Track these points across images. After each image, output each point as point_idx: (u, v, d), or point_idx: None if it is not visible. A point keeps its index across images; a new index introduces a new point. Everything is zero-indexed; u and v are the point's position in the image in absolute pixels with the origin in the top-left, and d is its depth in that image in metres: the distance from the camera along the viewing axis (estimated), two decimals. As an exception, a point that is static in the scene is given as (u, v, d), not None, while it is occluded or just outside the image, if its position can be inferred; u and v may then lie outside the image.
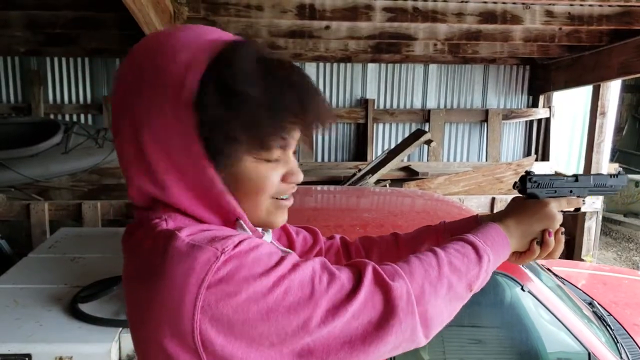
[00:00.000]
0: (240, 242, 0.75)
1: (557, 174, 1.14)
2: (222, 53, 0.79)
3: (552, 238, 1.04)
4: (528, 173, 1.10)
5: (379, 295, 0.79)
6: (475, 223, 1.14)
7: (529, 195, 1.09)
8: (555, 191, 1.10)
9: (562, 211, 1.09)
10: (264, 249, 0.77)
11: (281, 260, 0.77)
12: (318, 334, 0.74)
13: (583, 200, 1.15)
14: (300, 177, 0.90)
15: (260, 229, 0.92)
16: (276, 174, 0.86)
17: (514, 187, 1.13)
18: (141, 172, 0.81)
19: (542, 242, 1.04)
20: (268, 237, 0.95)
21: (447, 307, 0.87)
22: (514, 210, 1.08)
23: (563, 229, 1.07)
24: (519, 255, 1.06)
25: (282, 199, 0.89)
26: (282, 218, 0.91)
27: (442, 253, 0.90)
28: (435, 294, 0.84)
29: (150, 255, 0.77)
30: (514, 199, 1.12)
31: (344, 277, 0.80)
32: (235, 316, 0.71)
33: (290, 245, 1.15)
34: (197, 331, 0.71)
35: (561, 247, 1.07)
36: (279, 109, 0.79)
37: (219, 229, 0.80)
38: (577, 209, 1.16)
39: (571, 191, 1.13)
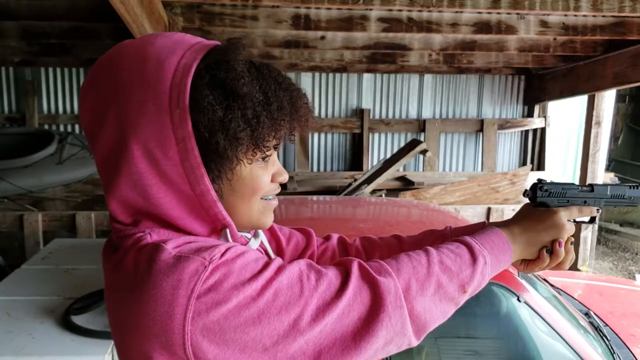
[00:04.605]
0: (226, 250, 0.75)
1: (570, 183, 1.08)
2: (210, 55, 0.79)
3: (562, 248, 1.02)
4: (540, 181, 1.07)
5: (366, 290, 0.79)
6: (481, 229, 1.11)
7: (539, 204, 1.06)
8: (568, 200, 1.06)
9: (575, 221, 1.07)
10: (250, 255, 0.77)
11: (267, 264, 0.77)
12: (310, 333, 0.74)
13: (598, 210, 1.10)
14: (286, 177, 0.93)
15: (247, 234, 0.92)
16: (267, 174, 0.87)
17: (524, 194, 1.10)
18: (128, 184, 0.78)
19: (551, 252, 1.03)
20: (255, 242, 0.95)
21: (437, 306, 0.86)
22: (521, 217, 1.06)
23: (573, 239, 1.05)
24: (528, 263, 1.05)
25: (269, 199, 0.90)
26: (271, 218, 0.92)
27: (434, 252, 0.90)
28: (422, 291, 0.84)
29: (136, 269, 0.75)
30: (523, 206, 1.10)
31: (331, 274, 0.80)
32: (227, 323, 0.71)
33: (280, 253, 1.13)
34: (189, 343, 0.70)
35: (571, 257, 1.05)
36: (275, 108, 0.80)
37: (204, 240, 0.80)
38: (593, 219, 1.11)
39: (585, 201, 1.08)
